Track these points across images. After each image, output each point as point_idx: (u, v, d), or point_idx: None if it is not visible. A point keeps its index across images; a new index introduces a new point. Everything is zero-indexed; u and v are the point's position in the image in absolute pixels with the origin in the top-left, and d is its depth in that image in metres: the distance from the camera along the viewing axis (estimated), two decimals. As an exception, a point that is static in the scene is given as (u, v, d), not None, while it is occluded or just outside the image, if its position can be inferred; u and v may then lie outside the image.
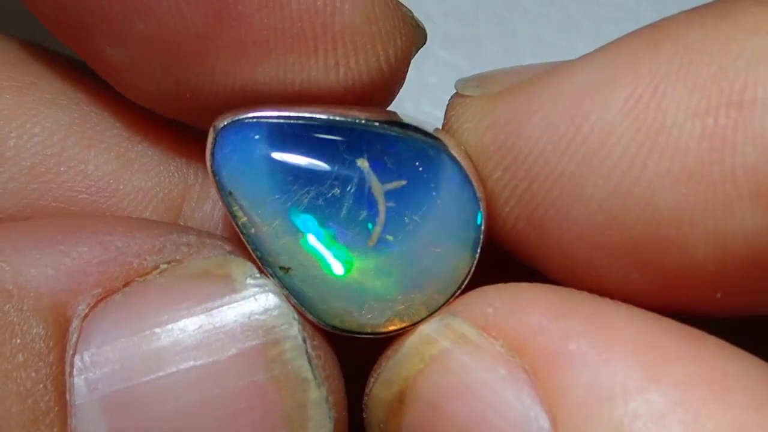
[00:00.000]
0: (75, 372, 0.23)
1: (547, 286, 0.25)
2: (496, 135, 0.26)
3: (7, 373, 0.22)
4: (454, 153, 0.26)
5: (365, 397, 0.26)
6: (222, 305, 0.24)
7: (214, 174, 0.25)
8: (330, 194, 0.25)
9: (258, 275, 0.25)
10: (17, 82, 0.29)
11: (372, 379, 0.26)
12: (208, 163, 0.25)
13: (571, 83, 0.25)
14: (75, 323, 0.24)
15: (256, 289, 0.25)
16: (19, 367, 0.23)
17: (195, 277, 0.25)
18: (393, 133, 0.26)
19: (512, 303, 0.24)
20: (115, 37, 0.26)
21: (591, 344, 0.22)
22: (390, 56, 0.26)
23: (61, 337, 0.23)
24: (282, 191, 0.25)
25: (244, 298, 0.24)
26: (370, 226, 0.26)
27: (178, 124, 0.30)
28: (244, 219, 0.25)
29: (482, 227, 0.26)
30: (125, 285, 0.24)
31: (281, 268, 0.25)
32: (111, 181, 0.28)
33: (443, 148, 0.26)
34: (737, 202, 0.23)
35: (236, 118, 0.25)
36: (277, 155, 0.25)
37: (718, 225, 0.23)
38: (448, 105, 0.28)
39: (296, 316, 0.25)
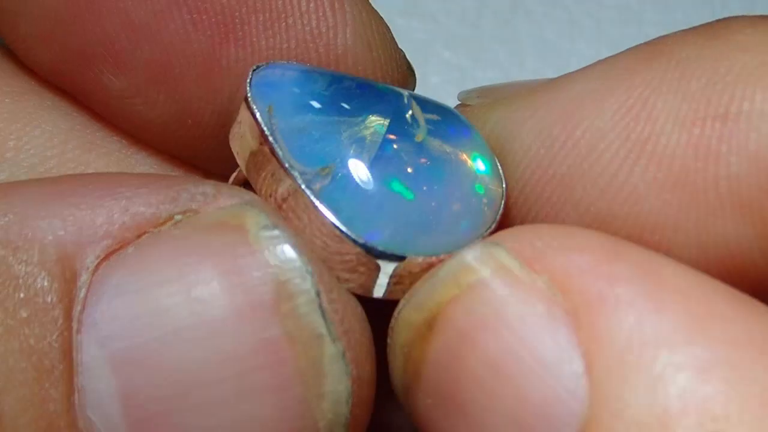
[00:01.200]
0: (83, 329, 0.23)
1: (600, 232, 0.24)
2: (495, 140, 0.27)
3: (10, 329, 0.22)
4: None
5: (392, 320, 0.25)
6: (235, 258, 0.23)
7: (250, 99, 0.24)
8: (374, 119, 0.25)
9: (272, 225, 0.24)
10: (17, 88, 0.29)
11: (403, 302, 0.25)
12: (246, 95, 0.24)
13: (566, 92, 0.26)
14: (84, 277, 0.23)
15: (269, 240, 0.24)
16: (23, 322, 0.22)
17: (210, 228, 0.24)
18: (423, 97, 0.27)
19: (562, 240, 0.24)
20: (119, 65, 0.26)
21: (639, 290, 0.22)
22: (387, 83, 0.27)
23: (68, 292, 0.23)
24: (321, 109, 0.25)
25: (257, 251, 0.23)
26: (415, 132, 0.25)
27: (173, 143, 0.29)
28: (280, 131, 0.24)
29: (504, 190, 0.26)
30: (138, 237, 0.24)
31: (322, 169, 0.24)
32: None
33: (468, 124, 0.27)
34: (720, 211, 0.23)
35: (271, 62, 0.26)
36: (313, 86, 0.25)
37: (700, 232, 0.24)
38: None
39: (311, 268, 0.24)
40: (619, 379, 0.21)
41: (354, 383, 0.24)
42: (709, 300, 0.22)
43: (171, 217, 0.24)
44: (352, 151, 0.24)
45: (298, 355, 0.23)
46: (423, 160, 0.25)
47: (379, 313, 0.26)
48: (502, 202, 0.26)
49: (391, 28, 0.28)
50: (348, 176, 0.24)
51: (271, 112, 0.24)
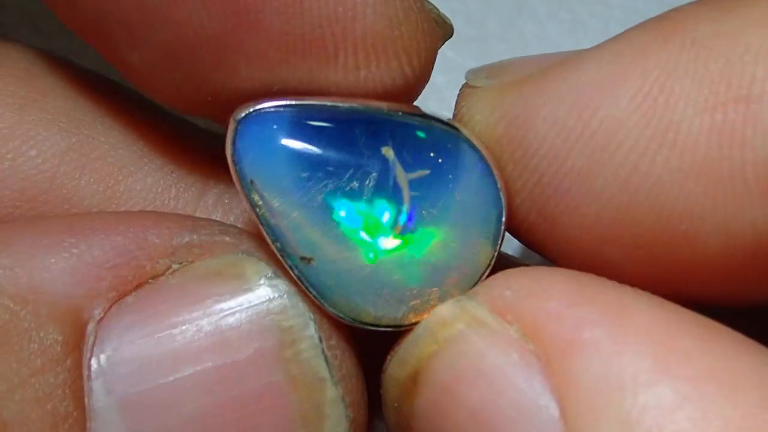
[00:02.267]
0: (93, 375, 0.23)
1: (569, 271, 0.25)
2: (506, 128, 0.26)
3: (26, 379, 0.22)
4: (476, 143, 0.26)
5: (381, 375, 0.26)
6: (237, 305, 0.24)
7: (235, 163, 0.25)
8: (355, 182, 0.25)
9: (272, 274, 0.25)
10: (20, 99, 0.29)
11: (388, 358, 0.26)
12: (228, 153, 0.25)
13: (579, 77, 0.25)
14: (91, 326, 0.24)
15: (271, 288, 0.24)
16: (37, 372, 0.23)
17: (208, 277, 0.24)
18: (415, 122, 0.26)
19: (530, 288, 0.24)
20: (134, 41, 0.26)
21: (605, 333, 0.22)
22: (413, 59, 0.26)
23: (77, 341, 0.23)
24: (305, 180, 0.25)
25: (258, 298, 0.24)
26: (394, 214, 0.25)
27: (172, 156, 0.30)
28: (265, 209, 0.25)
29: (503, 220, 0.26)
30: (137, 287, 0.24)
31: (302, 258, 0.25)
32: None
33: (465, 138, 0.26)
34: (747, 198, 0.23)
35: (256, 108, 0.25)
36: (299, 144, 0.25)
37: (728, 220, 0.23)
38: (458, 95, 0.28)
39: (312, 315, 0.24)
40: (592, 422, 0.22)
41: (351, 425, 0.25)
42: (673, 336, 0.22)
43: (169, 267, 0.25)
44: (330, 241, 0.25)
45: (301, 398, 0.24)
46: (400, 240, 0.25)
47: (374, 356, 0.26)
48: (487, 269, 0.26)
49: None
50: (326, 265, 0.25)
51: (254, 186, 0.25)
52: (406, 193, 0.25)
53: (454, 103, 0.28)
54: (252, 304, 0.24)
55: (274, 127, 0.25)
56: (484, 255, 0.26)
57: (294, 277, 0.25)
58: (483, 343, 0.24)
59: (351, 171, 0.25)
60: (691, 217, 0.23)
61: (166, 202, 0.29)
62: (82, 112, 0.29)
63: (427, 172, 0.26)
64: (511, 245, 0.29)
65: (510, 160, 0.26)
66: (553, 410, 0.22)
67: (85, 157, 0.29)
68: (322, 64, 0.26)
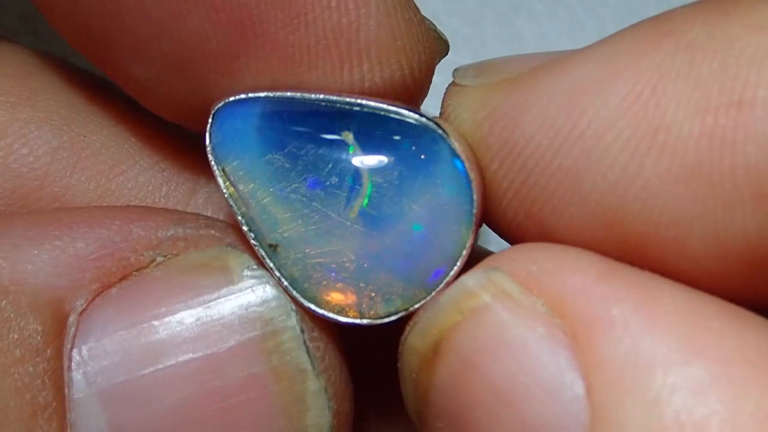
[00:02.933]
0: (73, 366, 0.23)
1: (592, 253, 0.24)
2: (492, 126, 0.25)
3: (5, 369, 0.22)
4: (452, 138, 0.26)
5: (400, 346, 0.25)
6: (219, 297, 0.24)
7: (210, 152, 0.25)
8: (316, 165, 0.25)
9: (255, 266, 0.25)
10: (12, 97, 0.29)
11: (408, 328, 0.25)
12: (206, 143, 0.25)
13: (570, 76, 0.24)
14: (72, 318, 0.24)
15: (254, 280, 0.24)
16: (17, 362, 0.23)
17: (191, 269, 0.24)
18: (384, 113, 0.26)
19: (557, 262, 0.24)
20: (138, 55, 0.26)
21: (634, 311, 0.22)
22: (414, 70, 0.26)
23: (58, 332, 0.23)
24: (270, 164, 0.25)
25: (241, 290, 0.24)
26: (353, 197, 0.25)
27: (164, 154, 0.30)
28: (236, 196, 0.25)
29: (475, 212, 0.25)
30: (121, 279, 0.24)
31: (270, 245, 0.25)
32: None
33: (440, 132, 0.25)
34: (738, 203, 0.23)
35: (230, 99, 0.26)
36: (267, 132, 0.25)
37: (718, 225, 0.23)
38: (445, 93, 0.28)
39: (294, 307, 0.25)
40: (618, 402, 0.21)
41: (335, 417, 0.25)
42: (703, 318, 0.22)
43: (153, 260, 0.25)
44: (294, 222, 0.25)
45: (283, 389, 0.24)
46: (362, 225, 0.25)
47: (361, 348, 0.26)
48: (464, 251, 0.26)
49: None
50: (289, 251, 0.25)
51: (225, 173, 0.25)
52: (365, 178, 0.25)
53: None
54: (234, 296, 0.24)
55: (246, 116, 0.25)
56: (457, 245, 0.25)
57: (267, 266, 0.25)
58: (508, 315, 0.23)
59: (313, 154, 0.25)
60: (680, 222, 0.23)
61: (157, 199, 0.29)
62: (74, 111, 0.29)
63: (392, 159, 0.26)
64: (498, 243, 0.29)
65: (496, 158, 0.25)
66: (579, 388, 0.22)
67: (77, 155, 0.29)
68: (327, 73, 0.26)
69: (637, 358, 0.21)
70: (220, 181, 0.25)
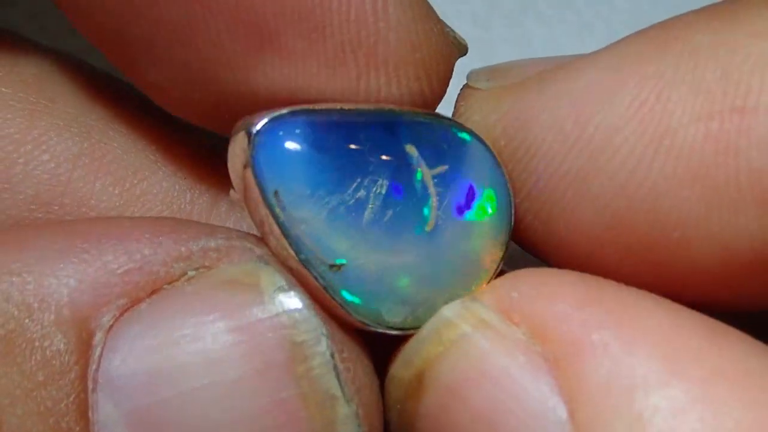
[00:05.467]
0: (99, 388, 0.23)
1: (576, 273, 0.25)
2: (504, 130, 0.26)
3: (28, 392, 0.22)
4: (485, 141, 0.26)
5: (386, 377, 0.26)
6: (250, 317, 0.23)
7: (256, 176, 0.24)
8: (381, 181, 0.25)
9: (286, 285, 0.24)
10: (31, 105, 0.28)
11: (392, 359, 0.26)
12: (250, 167, 0.24)
13: (578, 81, 0.25)
14: (99, 336, 0.23)
15: (284, 301, 0.24)
16: (40, 385, 0.22)
17: (223, 286, 0.24)
18: (428, 120, 0.26)
19: (537, 289, 0.24)
20: (153, 59, 0.26)
21: (613, 335, 0.22)
22: (433, 80, 0.26)
23: (84, 352, 0.23)
24: (330, 183, 0.24)
25: (271, 311, 0.24)
26: (426, 211, 0.25)
27: (184, 162, 0.29)
28: (286, 219, 0.24)
29: (512, 222, 0.26)
30: (152, 293, 0.24)
31: (332, 266, 0.24)
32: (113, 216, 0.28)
33: (477, 138, 0.26)
34: (741, 206, 0.23)
35: (272, 116, 0.24)
36: (320, 149, 0.25)
37: (722, 228, 0.23)
38: (458, 95, 0.28)
39: (324, 330, 0.24)
40: (601, 424, 0.21)
41: None
42: (683, 337, 0.22)
43: (184, 273, 0.24)
44: (360, 244, 0.24)
45: (313, 415, 0.23)
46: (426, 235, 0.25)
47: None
48: (499, 265, 0.26)
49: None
50: (356, 271, 0.24)
51: (278, 197, 0.24)
52: (432, 189, 0.25)
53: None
54: (265, 316, 0.23)
55: (295, 132, 0.24)
56: (494, 256, 0.26)
57: (319, 286, 0.24)
58: (488, 344, 0.23)
59: (376, 170, 0.25)
60: (686, 224, 0.23)
61: (182, 206, 0.29)
62: (93, 118, 0.29)
63: (446, 167, 0.26)
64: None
65: (507, 162, 0.26)
66: (561, 412, 0.22)
67: (99, 161, 0.28)
68: (344, 84, 0.26)
69: (618, 381, 0.22)
70: (269, 206, 0.24)
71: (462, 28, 0.54)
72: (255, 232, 0.26)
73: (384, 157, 0.25)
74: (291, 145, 0.24)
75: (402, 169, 0.25)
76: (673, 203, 0.23)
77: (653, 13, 0.53)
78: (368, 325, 0.24)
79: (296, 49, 0.25)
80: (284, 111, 0.24)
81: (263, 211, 0.24)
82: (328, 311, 0.24)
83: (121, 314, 0.23)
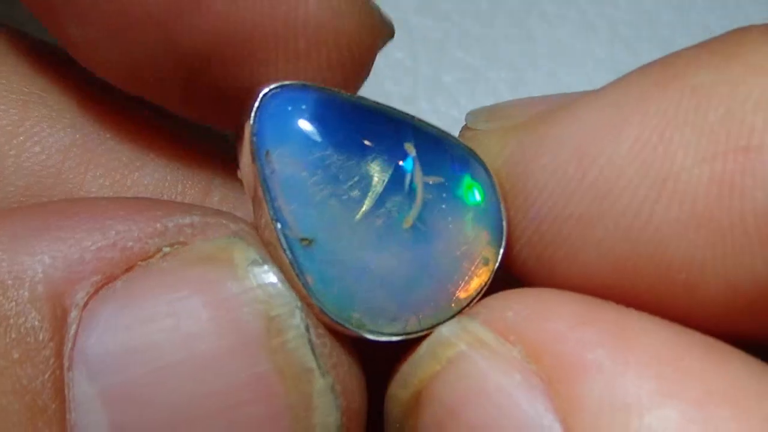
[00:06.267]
0: (74, 366, 0.23)
1: (571, 293, 0.25)
2: (507, 175, 0.26)
3: (3, 370, 0.22)
4: (491, 171, 0.26)
5: (385, 397, 0.26)
6: (224, 292, 0.24)
7: (253, 134, 0.25)
8: (372, 172, 0.25)
9: (260, 260, 0.24)
10: (23, 95, 0.28)
11: (390, 378, 0.26)
12: (250, 121, 0.25)
13: (579, 123, 0.25)
14: (74, 313, 0.23)
15: (259, 275, 0.24)
16: (15, 363, 0.22)
17: (198, 261, 0.24)
18: (434, 132, 0.26)
19: (533, 309, 0.24)
20: (79, 17, 0.26)
21: (608, 355, 0.22)
22: (354, 52, 0.26)
23: (58, 329, 0.23)
24: (322, 160, 0.25)
25: (246, 285, 0.24)
26: (407, 209, 0.25)
27: (177, 154, 0.29)
28: (274, 184, 0.24)
29: (504, 240, 0.26)
30: (127, 270, 0.24)
31: (302, 239, 0.24)
32: None
33: (478, 158, 0.26)
34: (747, 247, 0.23)
35: (283, 84, 0.25)
36: (320, 127, 0.25)
37: (728, 269, 0.23)
38: (458, 137, 0.28)
39: (299, 303, 0.24)
40: None
41: (344, 415, 0.24)
42: (677, 357, 0.22)
43: (159, 250, 0.24)
44: (338, 224, 0.25)
45: (288, 389, 0.24)
46: (410, 237, 0.25)
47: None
48: (490, 276, 0.26)
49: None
50: (328, 251, 0.24)
51: (269, 158, 0.24)
52: (420, 191, 0.25)
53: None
54: (239, 291, 0.24)
55: (300, 106, 0.25)
56: (480, 279, 0.26)
57: (287, 261, 0.24)
58: (485, 363, 0.24)
59: (371, 158, 0.25)
60: (691, 266, 0.23)
61: (173, 197, 0.29)
62: (86, 108, 0.29)
63: (442, 179, 0.26)
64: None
65: (511, 206, 0.26)
66: (557, 431, 0.22)
67: (91, 152, 0.29)
68: (260, 52, 0.26)
69: (613, 401, 0.22)
70: (258, 165, 0.24)
71: (465, 26, 0.54)
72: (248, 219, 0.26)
73: (384, 148, 0.25)
74: (293, 114, 0.25)
75: (396, 165, 0.25)
76: (679, 246, 0.23)
77: (656, 13, 0.53)
78: (325, 313, 0.24)
79: (217, 9, 0.25)
80: (297, 83, 0.25)
81: (257, 179, 0.24)
82: (295, 289, 0.24)
83: (96, 291, 0.23)
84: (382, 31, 0.28)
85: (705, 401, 0.21)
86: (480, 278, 0.26)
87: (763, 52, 0.24)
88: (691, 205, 0.23)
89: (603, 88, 0.25)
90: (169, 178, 0.29)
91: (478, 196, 0.26)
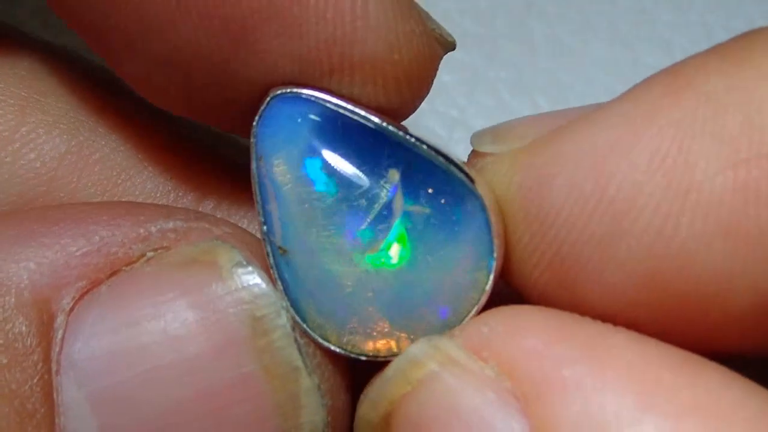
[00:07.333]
0: (62, 370, 0.23)
1: (547, 309, 0.24)
2: (522, 201, 0.25)
3: None
4: (484, 198, 0.25)
5: (354, 420, 0.26)
6: (209, 295, 0.24)
7: (254, 135, 0.25)
8: (355, 196, 0.25)
9: (245, 261, 0.24)
10: (21, 100, 0.28)
11: (360, 399, 0.25)
12: (254, 123, 0.25)
13: (592, 140, 0.24)
14: (60, 318, 0.23)
15: (244, 277, 0.24)
16: (4, 368, 0.22)
17: (182, 265, 0.24)
18: (436, 162, 0.25)
19: (507, 325, 0.23)
20: (131, 53, 0.26)
21: (586, 371, 0.22)
22: (412, 83, 0.26)
23: (45, 334, 0.23)
24: (310, 180, 0.25)
25: (231, 287, 0.24)
26: (378, 234, 0.25)
27: (171, 162, 0.30)
28: (266, 188, 0.25)
29: (492, 277, 0.25)
30: (111, 275, 0.24)
31: (280, 248, 0.25)
32: None
33: (475, 191, 0.25)
34: None
35: (293, 90, 0.25)
36: (320, 142, 0.25)
37: (757, 279, 0.23)
38: (468, 162, 0.27)
39: (284, 303, 0.24)
40: None
41: (329, 414, 0.24)
42: (655, 371, 0.22)
43: (143, 254, 0.24)
44: (316, 240, 0.25)
45: (276, 388, 0.24)
46: (392, 261, 0.25)
47: None
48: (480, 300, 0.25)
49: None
50: (301, 262, 0.25)
51: (262, 162, 0.25)
52: (395, 219, 0.25)
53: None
54: (224, 293, 0.24)
55: (304, 116, 0.25)
56: (462, 311, 0.25)
57: (268, 264, 0.25)
58: (457, 382, 0.23)
59: (356, 188, 0.25)
60: (720, 278, 0.23)
61: (167, 204, 0.29)
62: (83, 114, 0.29)
63: (428, 210, 0.25)
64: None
65: (527, 232, 0.25)
66: None
67: (84, 160, 0.29)
68: (316, 82, 0.26)
69: (591, 419, 0.21)
70: (254, 167, 0.25)
71: (465, 26, 0.54)
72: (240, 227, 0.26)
73: (370, 177, 0.25)
74: (294, 125, 0.25)
75: (379, 190, 0.25)
76: (706, 259, 0.23)
77: (655, 13, 0.53)
78: (296, 322, 0.25)
79: (272, 46, 0.25)
80: (306, 91, 0.25)
81: (251, 169, 0.25)
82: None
83: (81, 296, 0.23)
84: (441, 52, 0.27)
85: (682, 415, 0.21)
86: (469, 303, 0.25)
87: None
88: (717, 215, 0.22)
89: (611, 102, 0.25)
90: (161, 188, 0.29)
91: (465, 224, 0.25)
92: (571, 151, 0.24)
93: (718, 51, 0.24)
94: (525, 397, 0.22)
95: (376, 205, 0.25)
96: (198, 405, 0.23)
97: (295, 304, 0.25)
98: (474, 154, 0.27)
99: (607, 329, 0.23)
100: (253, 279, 0.24)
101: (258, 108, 0.25)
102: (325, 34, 0.25)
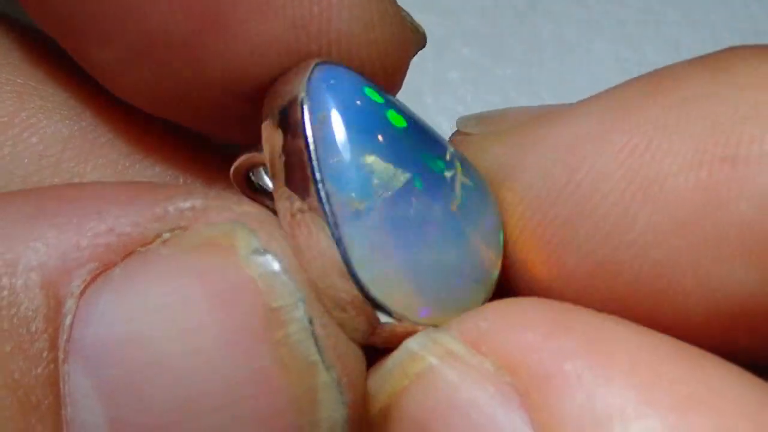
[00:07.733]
0: (70, 358, 0.22)
1: (547, 301, 0.24)
2: (494, 176, 0.26)
3: None
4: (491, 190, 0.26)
5: None
6: (225, 283, 0.22)
7: (307, 92, 0.24)
8: (425, 158, 0.24)
9: (263, 248, 0.23)
10: (18, 87, 0.28)
11: None
12: (303, 85, 0.24)
13: (567, 128, 0.25)
14: (69, 303, 0.22)
15: (261, 264, 0.23)
16: (8, 356, 0.21)
17: (199, 248, 0.23)
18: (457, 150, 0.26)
19: (507, 318, 0.23)
20: (103, 39, 0.25)
21: (587, 365, 0.22)
22: (387, 64, 0.26)
23: (53, 319, 0.22)
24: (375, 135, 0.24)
25: (247, 275, 0.23)
26: (450, 196, 0.25)
27: (181, 147, 0.29)
28: (325, 146, 0.23)
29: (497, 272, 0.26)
30: (125, 257, 0.22)
31: (352, 202, 0.23)
32: None
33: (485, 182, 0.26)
34: (729, 257, 0.23)
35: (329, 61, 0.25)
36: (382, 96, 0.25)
37: (710, 278, 0.23)
38: (449, 140, 0.28)
39: (302, 294, 0.23)
40: None
41: (349, 408, 0.23)
42: (658, 363, 0.22)
43: (159, 235, 0.23)
44: (386, 195, 0.23)
45: (292, 383, 0.23)
46: (444, 224, 0.25)
47: None
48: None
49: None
50: (376, 217, 0.23)
51: (323, 120, 0.23)
52: (458, 188, 0.25)
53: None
54: (240, 281, 0.22)
55: (354, 81, 0.25)
56: (476, 295, 0.25)
57: (329, 236, 0.23)
58: (457, 376, 0.23)
59: (424, 144, 0.25)
60: (672, 273, 0.23)
61: None
62: (83, 102, 0.29)
63: (470, 182, 0.25)
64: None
65: (498, 207, 0.26)
66: None
67: (90, 144, 0.28)
68: (294, 64, 0.25)
69: (593, 413, 0.21)
70: (312, 126, 0.23)
71: (470, 23, 0.54)
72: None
73: (436, 148, 0.25)
74: (354, 88, 0.24)
75: (443, 158, 0.25)
76: (660, 253, 0.23)
77: (662, 12, 0.53)
78: (366, 292, 0.23)
79: (247, 27, 0.24)
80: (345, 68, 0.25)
81: (301, 140, 0.23)
82: (320, 266, 0.23)
83: (93, 279, 0.22)
84: (414, 42, 0.27)
85: (688, 409, 0.21)
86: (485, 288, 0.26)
87: (752, 66, 0.24)
88: (675, 211, 0.23)
89: (591, 97, 0.25)
90: (170, 171, 0.29)
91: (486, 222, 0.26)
92: (546, 134, 0.25)
93: (701, 61, 0.25)
94: (526, 392, 0.22)
95: (442, 168, 0.25)
96: (210, 397, 0.22)
97: (365, 273, 0.23)
98: (457, 134, 0.28)
99: (607, 321, 0.23)
100: (270, 267, 0.23)
101: (296, 73, 0.25)
102: (301, 9, 0.24)
